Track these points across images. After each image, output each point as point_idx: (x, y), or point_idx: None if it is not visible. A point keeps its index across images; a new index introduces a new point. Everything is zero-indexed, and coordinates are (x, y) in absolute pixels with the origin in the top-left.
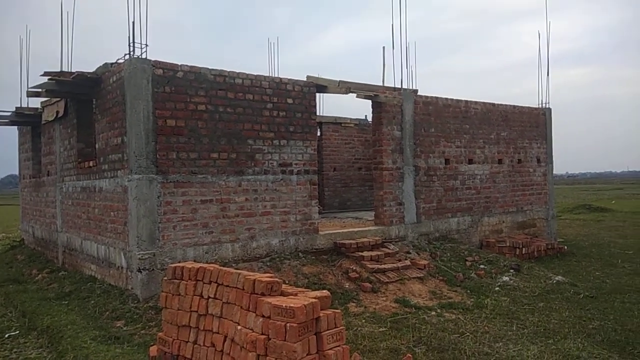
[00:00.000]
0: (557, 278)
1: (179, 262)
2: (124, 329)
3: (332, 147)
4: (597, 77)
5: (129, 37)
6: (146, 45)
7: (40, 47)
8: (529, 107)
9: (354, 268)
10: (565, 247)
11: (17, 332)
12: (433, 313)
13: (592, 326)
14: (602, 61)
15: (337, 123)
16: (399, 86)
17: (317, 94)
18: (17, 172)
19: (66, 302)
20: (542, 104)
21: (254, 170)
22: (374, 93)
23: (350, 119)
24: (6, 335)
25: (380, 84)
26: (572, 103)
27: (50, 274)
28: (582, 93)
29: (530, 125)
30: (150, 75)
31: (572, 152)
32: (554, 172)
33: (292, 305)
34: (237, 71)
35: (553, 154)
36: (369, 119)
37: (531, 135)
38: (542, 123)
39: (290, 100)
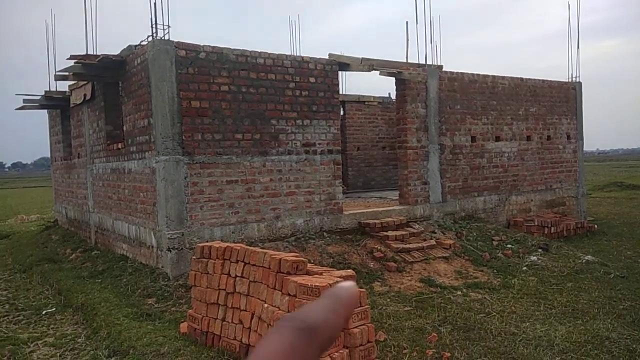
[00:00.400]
0: (586, 258)
1: (207, 241)
2: (155, 306)
3: (355, 126)
4: (630, 49)
5: (151, 18)
6: (168, 26)
7: (67, 31)
8: (558, 82)
9: (379, 248)
10: (596, 226)
11: (54, 309)
12: (459, 293)
13: (622, 307)
14: (636, 32)
15: (361, 102)
16: (423, 62)
17: (340, 72)
18: (48, 155)
19: (99, 280)
20: (572, 78)
21: (277, 151)
22: (398, 70)
23: (374, 97)
24: (43, 312)
25: (404, 60)
26: (604, 77)
27: (84, 253)
28: (614, 66)
29: (560, 101)
30: (174, 57)
31: (603, 128)
32: (585, 149)
33: (317, 284)
34: (259, 51)
35: (583, 130)
36: (393, 96)
37: (561, 111)
38: (572, 98)
39: (312, 79)
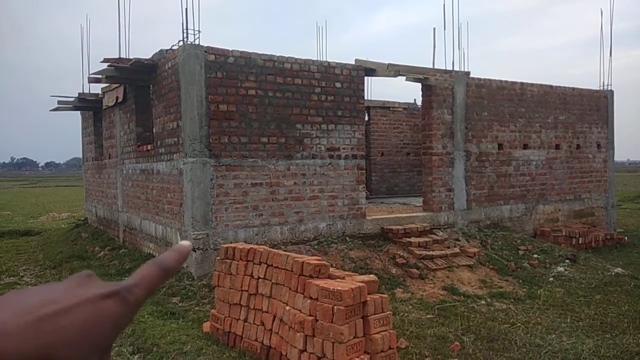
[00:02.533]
0: (616, 270)
1: (231, 242)
2: (179, 305)
3: (380, 131)
4: None
5: (182, 23)
6: (199, 31)
7: (100, 35)
8: (589, 90)
9: (401, 254)
10: (626, 238)
11: None
12: (482, 302)
13: None
14: None
15: (386, 107)
16: (450, 68)
17: (366, 78)
18: (80, 155)
19: (126, 278)
20: (603, 85)
21: (302, 155)
22: (424, 76)
23: (399, 103)
24: None
25: (431, 66)
26: (637, 85)
27: (112, 251)
28: None
29: (591, 109)
30: (203, 61)
31: (635, 138)
32: (615, 159)
33: (339, 288)
34: (286, 56)
35: (614, 139)
36: (418, 102)
37: (591, 120)
38: (603, 106)
39: (338, 85)
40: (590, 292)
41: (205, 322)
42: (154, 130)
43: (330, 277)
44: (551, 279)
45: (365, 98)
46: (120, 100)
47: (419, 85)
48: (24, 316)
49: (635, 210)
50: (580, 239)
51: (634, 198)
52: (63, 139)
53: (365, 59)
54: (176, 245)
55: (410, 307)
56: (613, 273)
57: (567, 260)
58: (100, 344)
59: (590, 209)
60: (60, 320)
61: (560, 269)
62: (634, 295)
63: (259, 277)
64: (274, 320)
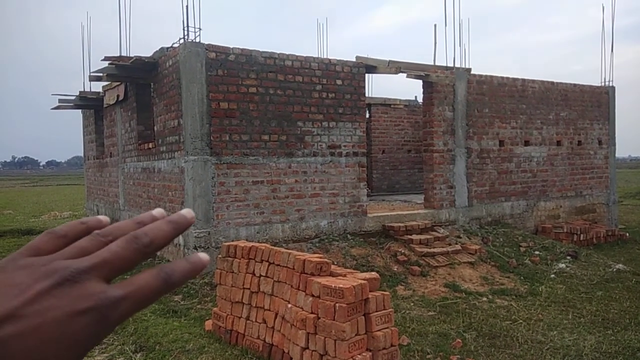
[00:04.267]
0: (617, 266)
1: (232, 240)
2: (182, 303)
3: (381, 129)
4: None
5: (183, 21)
6: (199, 29)
7: (100, 33)
8: (590, 86)
9: (403, 251)
10: (627, 234)
11: None
12: (484, 299)
13: None
14: None
15: (387, 104)
16: (451, 65)
17: (366, 75)
18: (82, 154)
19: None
20: (604, 82)
21: (303, 152)
22: (425, 72)
23: (400, 100)
24: None
25: (432, 63)
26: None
27: None
28: None
29: (592, 105)
30: (204, 59)
31: (636, 134)
32: (617, 155)
33: (341, 285)
34: (287, 53)
35: (616, 135)
36: (419, 99)
37: (592, 116)
38: (604, 103)
39: (339, 82)
40: (592, 289)
41: (207, 320)
42: (155, 129)
43: (331, 274)
44: (553, 275)
45: (366, 95)
46: (121, 98)
47: (420, 82)
48: None
49: (637, 207)
50: (582, 235)
51: (635, 194)
52: (64, 138)
53: (366, 56)
54: (193, 256)
55: (412, 304)
56: (614, 269)
57: (568, 257)
58: None
59: (591, 206)
60: (15, 343)
61: (562, 265)
62: (635, 292)
63: (260, 275)
64: (275, 318)
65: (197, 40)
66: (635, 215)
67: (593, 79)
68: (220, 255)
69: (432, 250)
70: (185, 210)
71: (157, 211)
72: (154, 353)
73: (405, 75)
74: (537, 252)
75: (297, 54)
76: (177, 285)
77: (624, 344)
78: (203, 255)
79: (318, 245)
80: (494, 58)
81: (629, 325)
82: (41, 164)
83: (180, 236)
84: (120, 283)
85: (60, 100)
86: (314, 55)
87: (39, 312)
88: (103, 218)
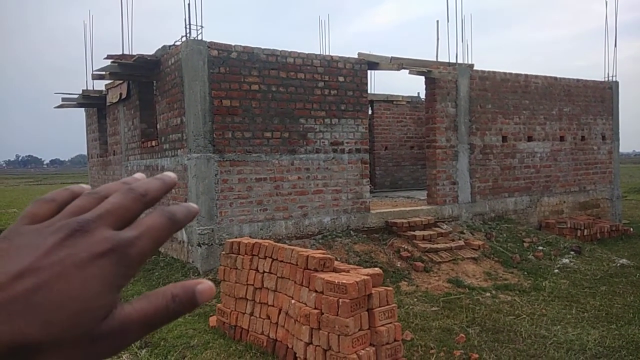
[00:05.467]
0: (621, 261)
1: (236, 237)
2: None
3: (383, 125)
4: None
5: (185, 19)
6: (201, 26)
7: (103, 31)
8: (593, 81)
9: (406, 247)
10: (631, 229)
11: None
12: (487, 294)
13: None
14: None
15: (389, 101)
16: (454, 61)
17: (369, 72)
18: (85, 152)
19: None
20: (608, 77)
21: (306, 149)
22: (427, 69)
23: (403, 97)
24: None
25: (434, 59)
26: None
27: None
28: None
29: (595, 100)
30: (206, 57)
31: None
32: (620, 150)
33: (344, 281)
34: (289, 50)
35: (620, 130)
36: (422, 96)
37: (596, 111)
38: (608, 98)
39: (341, 78)
40: (596, 284)
41: (211, 316)
42: (158, 127)
43: (334, 270)
44: (556, 270)
45: (369, 92)
46: (124, 96)
47: (423, 78)
48: None
49: None
50: (585, 230)
51: (639, 189)
52: (68, 136)
53: (368, 53)
54: (183, 205)
55: (415, 299)
56: (618, 264)
57: (572, 252)
58: (92, 320)
59: (595, 201)
60: (37, 296)
61: (565, 260)
62: (639, 286)
63: (264, 271)
64: (279, 313)
65: (199, 38)
66: (639, 210)
67: (597, 75)
68: (223, 252)
69: (435, 246)
70: (168, 172)
71: (139, 174)
72: (159, 349)
73: (407, 71)
74: (540, 248)
75: (299, 51)
76: (181, 225)
77: (627, 339)
78: (170, 174)
79: (321, 242)
80: (497, 54)
81: (633, 319)
82: (45, 163)
83: (184, 233)
84: (129, 227)
85: (63, 99)
86: (316, 52)
87: (56, 262)
88: (85, 186)
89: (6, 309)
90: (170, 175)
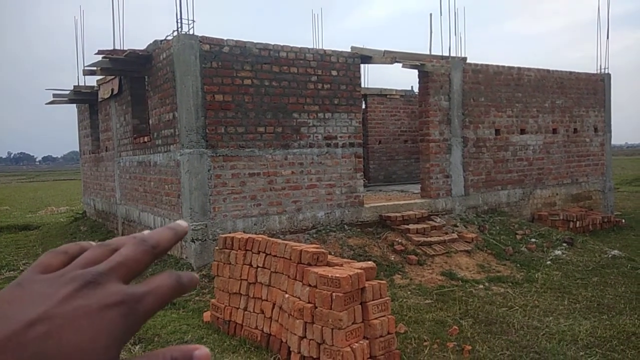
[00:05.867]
0: (613, 252)
1: (229, 232)
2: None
3: (377, 119)
4: None
5: (176, 13)
6: (193, 21)
7: (94, 27)
8: (586, 73)
9: (400, 241)
10: (623, 221)
11: None
12: (481, 286)
13: None
14: None
15: (383, 95)
16: (447, 54)
17: (362, 65)
18: (77, 149)
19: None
20: (600, 69)
21: (299, 144)
22: (420, 62)
23: (396, 90)
24: None
25: (427, 52)
26: (636, 68)
27: None
28: None
29: (588, 93)
30: (198, 51)
31: (633, 121)
32: (613, 142)
33: (337, 275)
34: (282, 44)
35: (612, 122)
36: (416, 89)
37: (588, 103)
38: (600, 90)
39: (334, 73)
40: (588, 275)
41: (205, 311)
42: (150, 122)
43: (328, 264)
44: (549, 262)
45: (362, 86)
46: (115, 92)
47: (416, 71)
48: (4, 341)
49: (633, 193)
50: (578, 222)
51: (631, 181)
52: (60, 133)
53: (361, 47)
54: (189, 272)
55: (409, 292)
56: (610, 255)
57: (564, 244)
58: None
59: (587, 193)
60: (47, 345)
61: (558, 252)
62: (630, 277)
63: (257, 266)
64: (273, 308)
65: (191, 32)
66: (631, 202)
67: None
68: (217, 247)
69: (428, 239)
70: (180, 220)
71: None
72: (152, 345)
73: (400, 65)
74: (533, 240)
75: (292, 45)
76: (188, 289)
77: (618, 329)
78: (183, 223)
79: (315, 236)
80: (490, 46)
81: (624, 310)
82: (37, 160)
83: None
84: (139, 283)
85: (54, 95)
86: (309, 47)
87: (69, 311)
88: (93, 243)
89: (17, 355)
90: (182, 224)
